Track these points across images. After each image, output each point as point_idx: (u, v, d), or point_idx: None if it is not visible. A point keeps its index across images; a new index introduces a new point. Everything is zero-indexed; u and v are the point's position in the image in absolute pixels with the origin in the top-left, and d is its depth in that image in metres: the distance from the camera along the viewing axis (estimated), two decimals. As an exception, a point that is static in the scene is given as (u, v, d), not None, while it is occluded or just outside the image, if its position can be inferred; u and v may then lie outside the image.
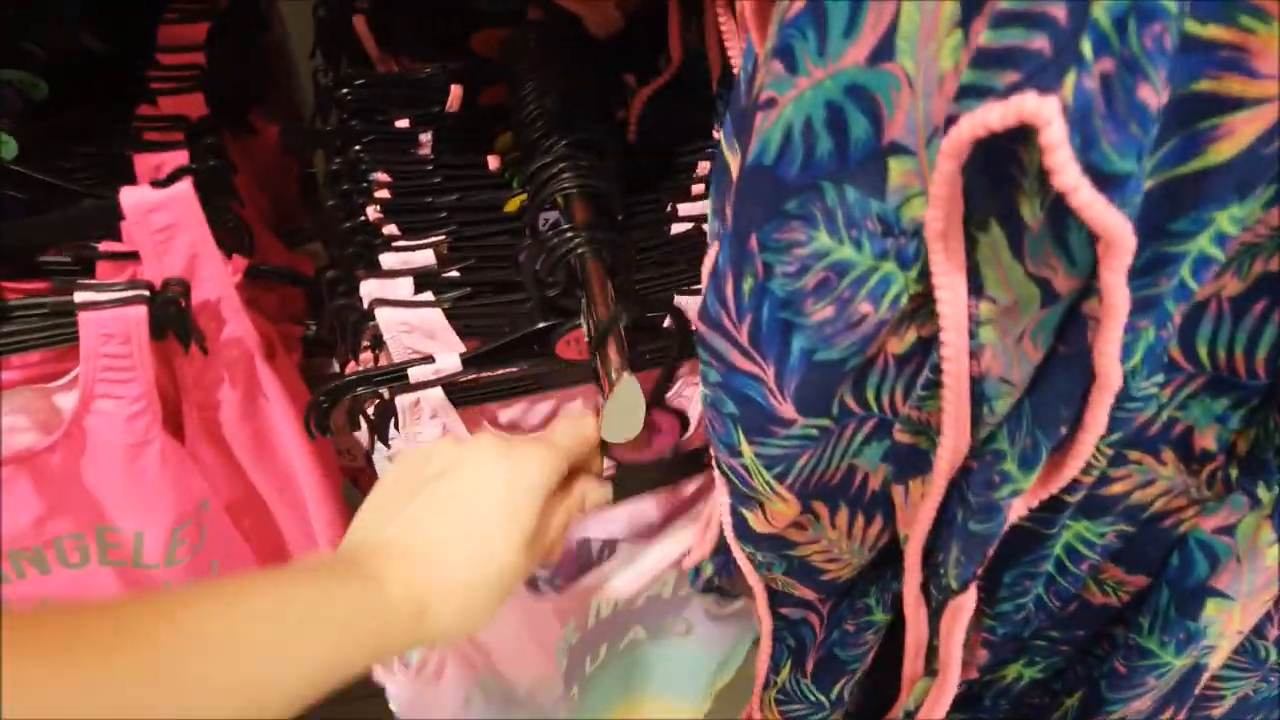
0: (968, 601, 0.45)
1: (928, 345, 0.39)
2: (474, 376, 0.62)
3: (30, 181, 0.63)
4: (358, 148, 0.73)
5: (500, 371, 0.63)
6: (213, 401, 0.70)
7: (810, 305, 0.38)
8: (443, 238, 0.69)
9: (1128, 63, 0.25)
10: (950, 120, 0.28)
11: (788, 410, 0.41)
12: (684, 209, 0.72)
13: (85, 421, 0.63)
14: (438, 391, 0.62)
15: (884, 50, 0.32)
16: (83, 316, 0.58)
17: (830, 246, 0.36)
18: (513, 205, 0.72)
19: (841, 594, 0.55)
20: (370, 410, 0.63)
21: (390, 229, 0.69)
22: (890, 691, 0.57)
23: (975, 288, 0.35)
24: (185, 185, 0.59)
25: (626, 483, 0.60)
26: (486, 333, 0.65)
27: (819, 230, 0.36)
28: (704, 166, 0.76)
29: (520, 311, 0.65)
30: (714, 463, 0.48)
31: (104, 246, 0.61)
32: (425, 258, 0.67)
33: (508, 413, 0.70)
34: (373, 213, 0.70)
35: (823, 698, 0.59)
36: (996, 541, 0.41)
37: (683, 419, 0.66)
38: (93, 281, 0.59)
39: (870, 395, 0.42)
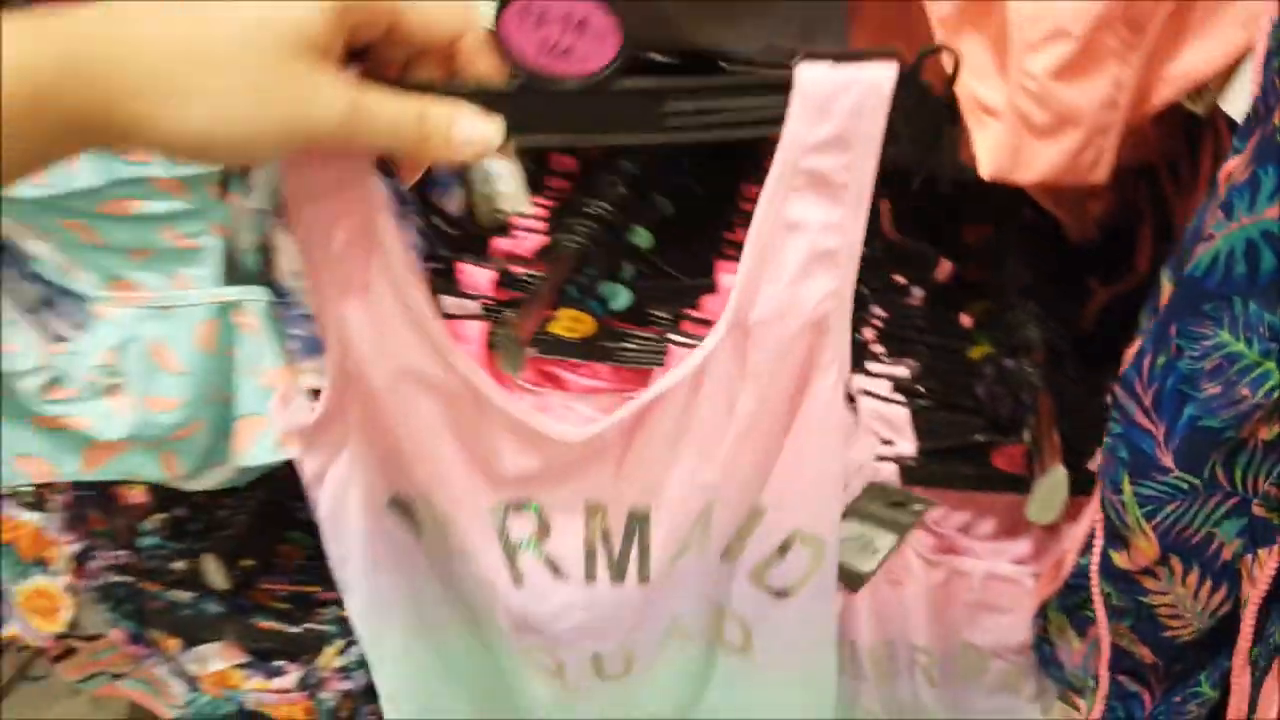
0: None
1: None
2: (924, 463, 0.81)
3: (655, 265, 0.95)
4: (865, 289, 0.98)
5: (944, 466, 0.82)
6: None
7: (1204, 383, 0.53)
8: (916, 364, 0.90)
9: None
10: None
11: (1168, 461, 0.55)
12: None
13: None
14: (892, 468, 0.81)
15: (1296, 211, 0.48)
16: (672, 349, 0.87)
17: (1228, 341, 0.52)
18: (975, 353, 0.91)
19: (1175, 668, 0.64)
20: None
21: (878, 348, 0.92)
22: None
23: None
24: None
25: None
26: (939, 439, 0.84)
27: (1223, 329, 0.52)
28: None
29: (971, 427, 0.83)
30: (1100, 502, 0.62)
31: (688, 311, 0.91)
32: (902, 370, 0.88)
33: (932, 513, 0.87)
34: (868, 334, 0.93)
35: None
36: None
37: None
38: (680, 330, 0.87)
39: (1238, 474, 0.55)
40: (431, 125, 0.40)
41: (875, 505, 0.81)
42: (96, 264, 0.75)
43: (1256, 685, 0.59)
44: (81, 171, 0.66)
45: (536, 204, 1.03)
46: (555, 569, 0.63)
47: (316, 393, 0.60)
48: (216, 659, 1.09)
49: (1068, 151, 0.69)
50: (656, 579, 0.63)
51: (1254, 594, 0.57)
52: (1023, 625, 0.87)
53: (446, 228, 0.99)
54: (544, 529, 0.62)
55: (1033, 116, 0.68)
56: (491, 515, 0.61)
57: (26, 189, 0.66)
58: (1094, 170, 0.71)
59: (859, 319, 0.96)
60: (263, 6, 0.34)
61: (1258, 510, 0.56)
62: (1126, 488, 0.60)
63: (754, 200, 1.10)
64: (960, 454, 0.82)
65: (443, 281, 0.95)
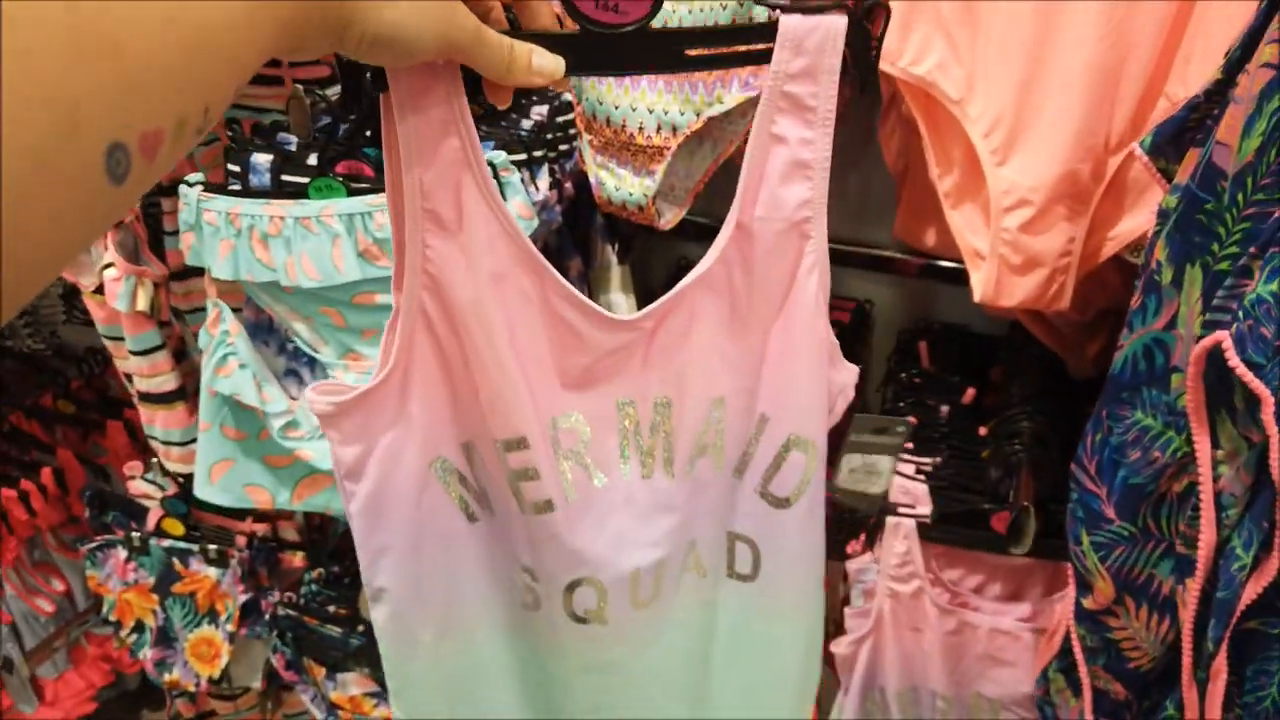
0: (1222, 666, 0.73)
1: (1194, 489, 0.73)
2: (936, 523, 1.04)
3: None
4: (901, 403, 1.23)
5: (952, 527, 1.04)
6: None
7: (1129, 451, 0.76)
8: (938, 459, 1.13)
9: (1256, 320, 0.64)
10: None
11: (1111, 513, 0.77)
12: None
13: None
14: (911, 523, 1.04)
15: (1171, 323, 0.73)
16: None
17: (1141, 418, 0.75)
18: (986, 455, 1.14)
19: (1145, 703, 0.83)
20: (870, 523, 1.06)
21: (909, 445, 1.16)
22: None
23: (1214, 443, 0.70)
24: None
25: None
26: (948, 507, 1.06)
27: (1138, 410, 0.75)
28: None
29: (972, 499, 1.05)
30: (1069, 555, 0.83)
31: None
32: (925, 461, 1.12)
33: (949, 573, 1.09)
34: (901, 435, 1.17)
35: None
36: (1237, 608, 0.70)
37: None
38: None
39: (1164, 522, 0.76)
40: (516, 55, 0.51)
41: (866, 435, 1.00)
42: (337, 340, 1.04)
43: (1202, 698, 0.78)
44: (349, 271, 0.96)
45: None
46: (597, 471, 0.66)
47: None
48: (353, 686, 1.32)
49: (1036, 285, 0.96)
50: (680, 475, 0.67)
51: (1187, 616, 0.76)
52: (1026, 679, 1.05)
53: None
54: (585, 437, 0.65)
55: (1009, 259, 0.95)
56: (545, 432, 0.63)
57: (304, 281, 0.97)
58: (1057, 299, 0.97)
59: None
60: None
61: (1180, 549, 0.76)
62: (1084, 538, 0.81)
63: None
64: (965, 518, 1.04)
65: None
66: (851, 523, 1.09)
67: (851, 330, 1.42)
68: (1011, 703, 1.07)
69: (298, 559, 1.48)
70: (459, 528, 0.67)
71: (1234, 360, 0.64)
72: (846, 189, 1.44)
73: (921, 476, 1.08)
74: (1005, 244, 0.94)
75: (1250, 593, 0.70)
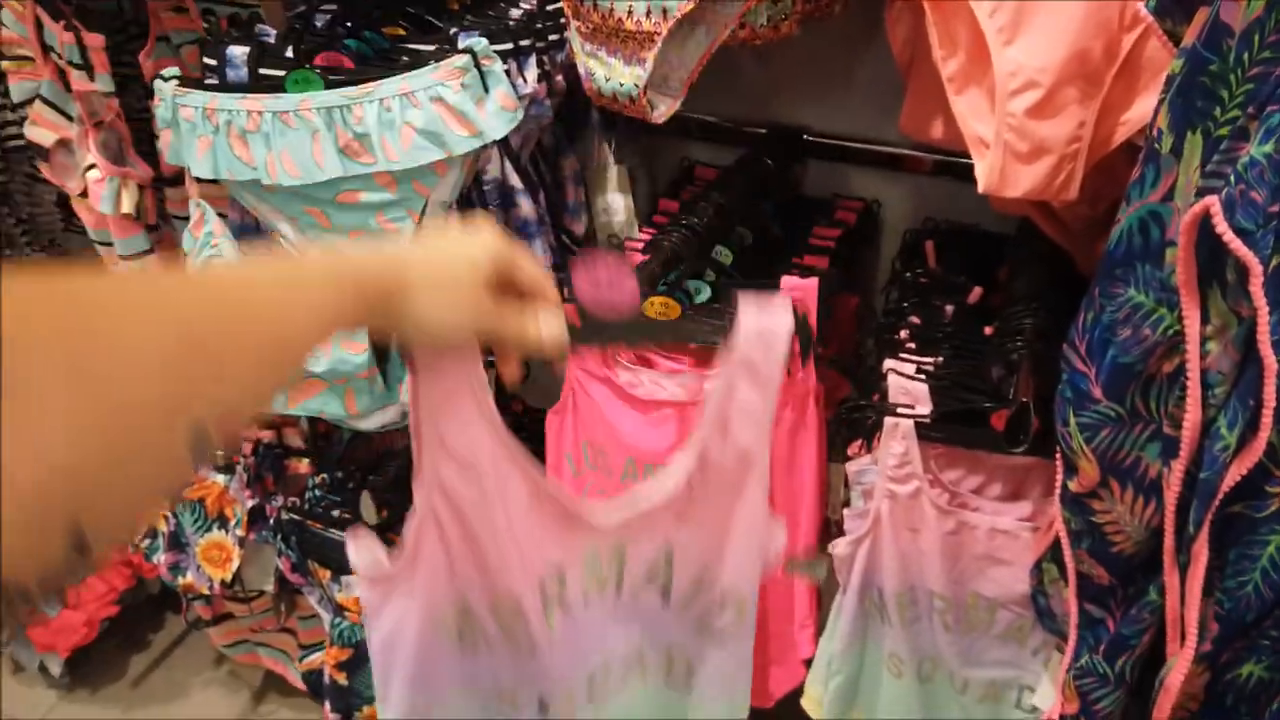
0: (1203, 549, 0.71)
1: (1184, 369, 0.70)
2: (935, 422, 1.02)
3: (734, 277, 1.19)
4: (905, 303, 1.20)
5: (952, 426, 1.02)
6: (778, 417, 1.17)
7: (1119, 329, 0.73)
8: (940, 359, 1.11)
9: (1248, 184, 0.60)
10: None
11: (1098, 394, 0.75)
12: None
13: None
14: (910, 423, 1.02)
15: (1169, 194, 0.69)
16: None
17: (1134, 295, 0.72)
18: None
19: (1129, 590, 0.81)
20: (868, 424, 1.05)
21: (910, 344, 1.13)
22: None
23: (1204, 317, 0.67)
24: (814, 280, 1.10)
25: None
26: (946, 406, 1.04)
27: (1131, 286, 0.72)
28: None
29: (973, 398, 1.03)
30: (1056, 437, 0.81)
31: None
32: (927, 360, 1.09)
33: (949, 473, 1.07)
34: (903, 333, 1.15)
35: (1109, 671, 0.82)
36: (1219, 489, 0.68)
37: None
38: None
39: (1153, 404, 0.73)
40: (529, 331, 0.63)
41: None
42: (325, 242, 1.03)
43: (1183, 580, 0.76)
44: (330, 167, 0.95)
45: (643, 232, 1.30)
46: (568, 605, 0.86)
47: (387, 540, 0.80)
48: (358, 587, 1.34)
49: (1043, 173, 0.92)
50: (628, 594, 0.88)
51: (1170, 497, 0.74)
52: (1024, 578, 1.04)
53: (572, 245, 1.27)
54: (564, 583, 0.85)
55: (1015, 146, 0.91)
56: (537, 589, 0.83)
57: (285, 179, 0.95)
58: (1065, 189, 0.93)
59: (896, 323, 1.17)
60: (470, 255, 0.58)
61: (1168, 430, 0.74)
62: (1071, 419, 0.79)
63: (821, 238, 1.36)
64: (964, 417, 1.02)
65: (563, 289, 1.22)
66: (852, 424, 1.07)
67: (858, 232, 1.39)
68: (1010, 601, 1.06)
69: (303, 465, 1.50)
70: (452, 655, 0.86)
71: (1221, 226, 0.60)
72: (853, 84, 1.39)
73: (922, 376, 1.06)
74: (1011, 130, 0.90)
75: (1234, 474, 0.68)
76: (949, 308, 1.20)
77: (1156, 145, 0.70)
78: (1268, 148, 0.59)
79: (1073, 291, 1.18)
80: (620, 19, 0.98)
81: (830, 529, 1.28)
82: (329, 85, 0.96)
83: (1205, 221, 0.63)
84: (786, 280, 1.12)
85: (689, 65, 1.03)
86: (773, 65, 1.40)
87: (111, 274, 0.44)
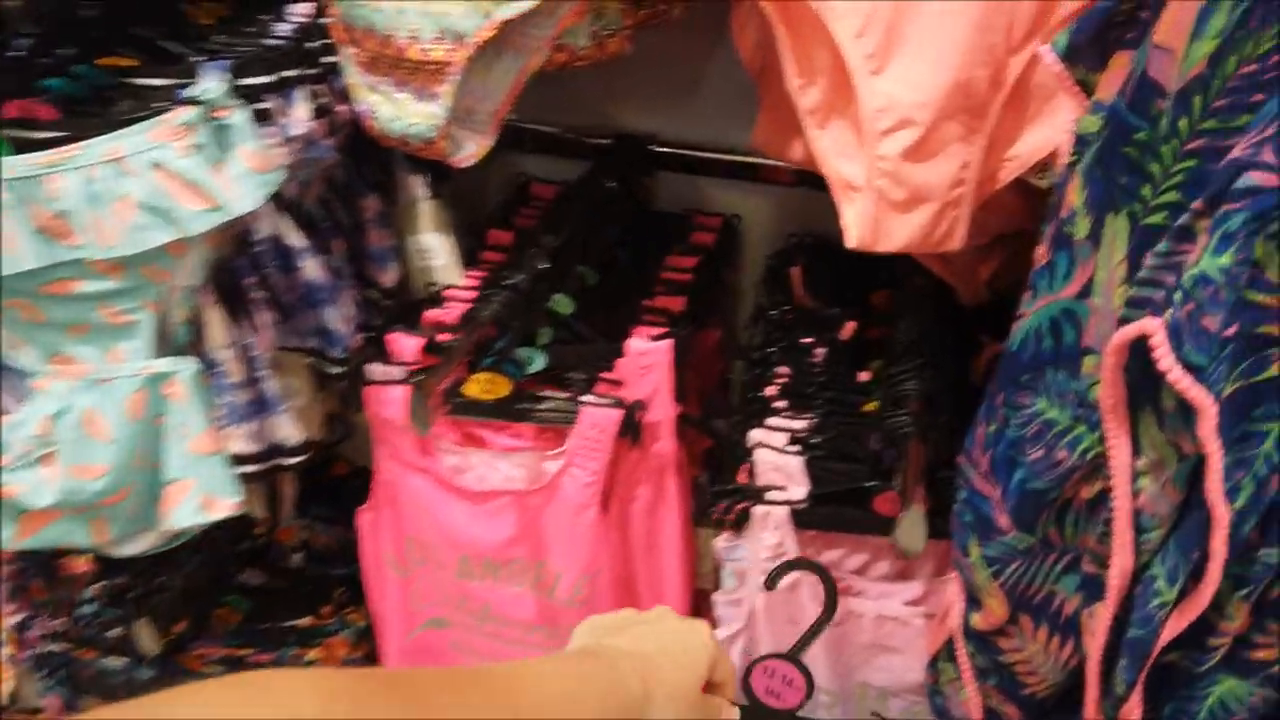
0: (1136, 709, 0.59)
1: (1107, 496, 0.57)
2: (812, 508, 0.87)
3: (575, 330, 1.02)
4: (771, 349, 1.05)
5: (830, 509, 0.88)
6: (632, 495, 1.01)
7: (1028, 448, 0.59)
8: (814, 418, 0.97)
9: (1198, 305, 0.46)
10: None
11: (1005, 522, 0.61)
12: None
13: (561, 480, 0.97)
14: (783, 511, 0.87)
15: (1086, 290, 0.55)
16: (584, 410, 0.93)
17: (1045, 409, 0.58)
18: (870, 406, 0.98)
19: None
20: (736, 512, 0.90)
21: (780, 403, 0.98)
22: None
23: (1135, 450, 0.54)
24: (667, 343, 0.94)
25: None
26: (828, 485, 0.90)
27: (1040, 397, 0.58)
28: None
29: (857, 475, 0.89)
30: (954, 563, 0.68)
31: (604, 375, 0.97)
32: (799, 424, 0.94)
33: (828, 554, 0.93)
34: (771, 390, 1.00)
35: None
36: (1154, 650, 0.56)
37: (810, 682, 0.70)
38: (593, 392, 0.94)
39: (1068, 530, 0.60)
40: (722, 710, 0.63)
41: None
42: (39, 340, 0.80)
43: None
44: (24, 255, 0.72)
45: (468, 277, 1.10)
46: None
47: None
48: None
49: (923, 224, 0.77)
50: None
51: (1094, 647, 0.61)
52: (917, 667, 0.91)
53: (384, 299, 1.06)
54: None
55: (889, 193, 0.76)
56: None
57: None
58: (948, 240, 0.78)
59: (763, 377, 1.02)
60: (696, 663, 0.59)
61: (1088, 567, 0.61)
62: (974, 549, 0.65)
63: (675, 269, 1.19)
64: (846, 498, 0.88)
65: (375, 350, 1.02)
66: (719, 510, 0.92)
67: (718, 253, 1.23)
68: (903, 690, 0.94)
69: (81, 563, 1.24)
70: None
71: (1167, 362, 0.47)
72: (705, 87, 1.21)
73: (795, 448, 0.91)
74: (884, 175, 0.74)
75: (1172, 630, 0.56)
76: (820, 350, 1.05)
77: (1069, 229, 0.55)
78: (1224, 260, 0.45)
79: (956, 323, 1.07)
80: (401, 47, 0.77)
81: (702, 602, 1.13)
82: (19, 148, 0.72)
83: (1138, 343, 0.49)
84: (634, 346, 0.95)
85: (497, 96, 0.84)
86: (616, 69, 1.21)
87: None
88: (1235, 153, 0.45)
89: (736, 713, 0.65)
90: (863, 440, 0.92)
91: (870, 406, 0.98)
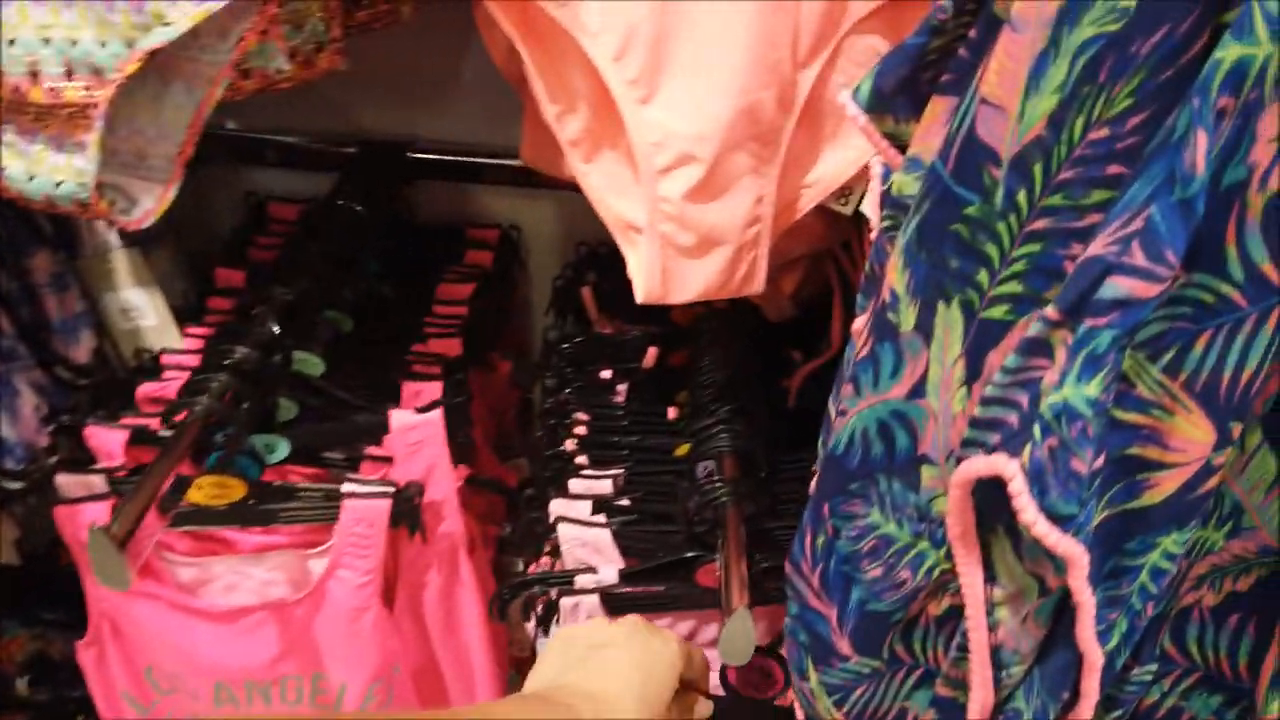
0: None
1: (960, 611, 0.48)
2: (627, 590, 0.76)
3: (329, 395, 0.85)
4: (568, 391, 0.92)
5: (648, 589, 0.76)
6: (421, 582, 0.86)
7: (865, 564, 0.49)
8: (621, 471, 0.85)
9: (1063, 443, 0.37)
10: (959, 458, 0.40)
11: (845, 647, 0.51)
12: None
13: (328, 584, 0.81)
14: (595, 599, 0.75)
15: (918, 390, 0.45)
16: (345, 503, 0.77)
17: (880, 522, 0.48)
18: (681, 450, 0.87)
19: None
20: (540, 607, 0.77)
21: (582, 459, 0.86)
22: None
23: (990, 577, 0.45)
24: (437, 414, 0.78)
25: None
26: (644, 555, 0.78)
27: (873, 508, 0.48)
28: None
29: (674, 541, 0.78)
30: (793, 688, 0.58)
31: (370, 450, 0.81)
32: (604, 486, 0.82)
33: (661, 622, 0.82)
34: (570, 445, 0.87)
35: None
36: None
37: (788, 675, 0.74)
38: (357, 477, 0.78)
39: (917, 647, 0.51)
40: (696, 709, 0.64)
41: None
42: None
43: None
44: None
45: (189, 336, 0.90)
46: None
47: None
48: None
49: (718, 269, 0.65)
50: None
51: None
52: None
53: (74, 379, 0.85)
54: None
55: (676, 238, 0.63)
56: None
57: None
58: (747, 283, 0.67)
59: (562, 429, 0.89)
60: (667, 679, 0.59)
61: (943, 690, 0.52)
62: (812, 675, 0.55)
63: (449, 301, 1.03)
64: (664, 573, 0.77)
65: (70, 445, 0.81)
66: (520, 605, 0.78)
67: (497, 274, 1.08)
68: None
69: None
70: None
71: (1030, 514, 0.37)
72: (465, 81, 1.05)
73: (602, 517, 0.79)
74: (668, 218, 0.62)
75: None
76: (621, 385, 0.93)
77: (892, 316, 0.45)
78: (1091, 389, 0.35)
79: (766, 342, 0.97)
80: (17, 87, 0.57)
81: (525, 665, 1.01)
82: None
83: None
84: (398, 420, 0.80)
85: (174, 136, 0.65)
86: (360, 65, 1.02)
87: None
88: (1096, 247, 0.35)
89: (710, 706, 0.65)
90: (676, 495, 0.81)
91: (681, 450, 0.87)
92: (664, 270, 0.64)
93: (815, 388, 0.95)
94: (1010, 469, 0.36)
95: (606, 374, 0.94)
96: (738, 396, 0.82)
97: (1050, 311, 0.37)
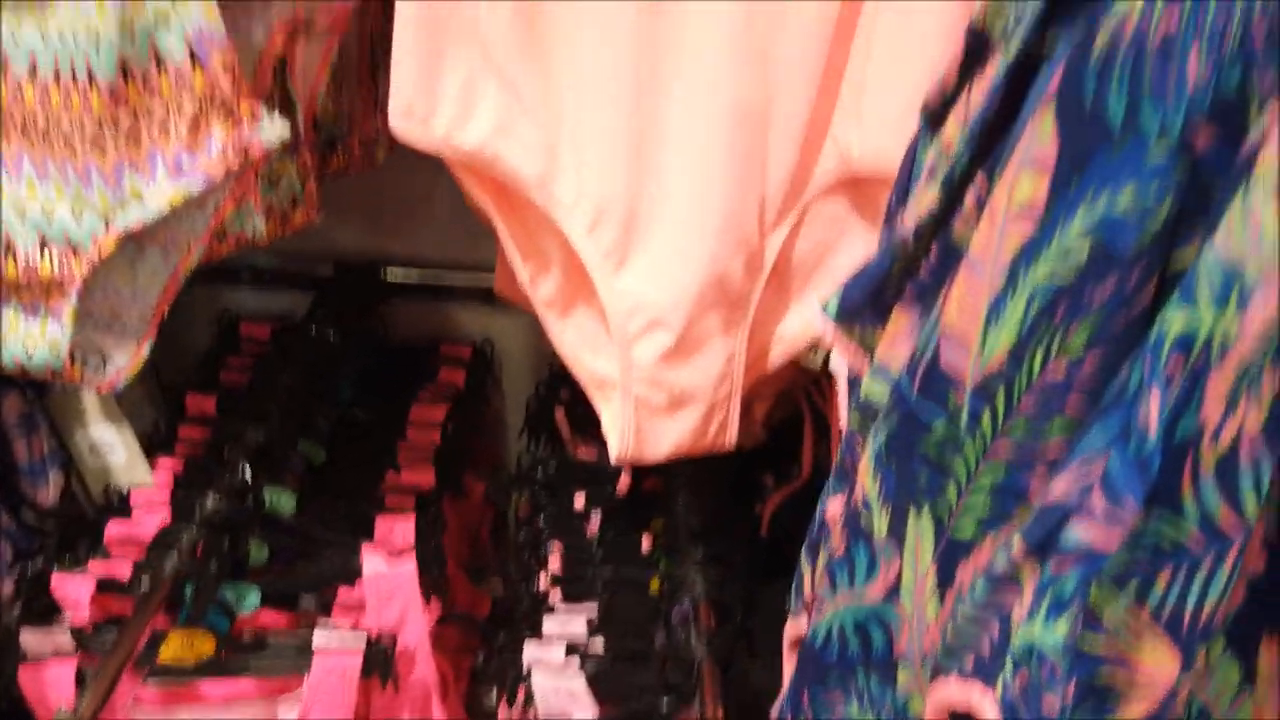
0: None
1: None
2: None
3: (301, 533, 0.84)
4: (541, 521, 0.92)
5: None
6: (394, 724, 0.85)
7: (845, 759, 0.49)
8: (594, 606, 0.84)
9: (1034, 683, 0.37)
10: (934, 668, 0.41)
11: None
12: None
13: None
14: (570, 748, 0.74)
15: (892, 594, 0.45)
16: (317, 656, 0.76)
17: (857, 714, 0.48)
18: (655, 585, 0.87)
19: None
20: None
21: (555, 595, 0.85)
22: None
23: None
24: (410, 566, 0.78)
25: None
26: (619, 699, 0.77)
27: (852, 702, 0.48)
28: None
29: (648, 684, 0.77)
30: None
31: (342, 597, 0.80)
32: (578, 625, 0.82)
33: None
34: (543, 581, 0.86)
35: None
36: None
37: None
38: (328, 627, 0.77)
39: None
40: None
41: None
42: None
43: None
44: None
45: (160, 469, 0.89)
46: None
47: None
48: None
49: (692, 427, 0.66)
50: None
51: None
52: None
53: (40, 525, 0.83)
54: None
55: (650, 398, 0.64)
56: None
57: None
58: (720, 439, 0.68)
59: (535, 562, 0.89)
60: None
61: None
62: None
63: (422, 424, 1.03)
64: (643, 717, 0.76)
65: (35, 594, 0.79)
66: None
67: (469, 394, 1.08)
68: None
69: None
70: None
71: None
72: (437, 200, 1.06)
73: (576, 662, 0.78)
74: (641, 381, 0.62)
75: None
76: (595, 513, 0.93)
77: (865, 522, 0.45)
78: (1059, 632, 0.36)
79: (737, 471, 0.98)
80: (-9, 266, 0.57)
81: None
82: None
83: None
84: (370, 567, 0.79)
85: (148, 299, 0.65)
86: (333, 186, 1.03)
87: None
88: (1058, 489, 0.36)
89: None
90: (651, 635, 0.80)
91: (655, 585, 0.86)
92: (638, 430, 0.65)
93: (789, 510, 0.95)
94: (986, 706, 0.37)
95: (580, 502, 0.94)
96: (710, 539, 0.82)
97: (1017, 546, 0.37)
